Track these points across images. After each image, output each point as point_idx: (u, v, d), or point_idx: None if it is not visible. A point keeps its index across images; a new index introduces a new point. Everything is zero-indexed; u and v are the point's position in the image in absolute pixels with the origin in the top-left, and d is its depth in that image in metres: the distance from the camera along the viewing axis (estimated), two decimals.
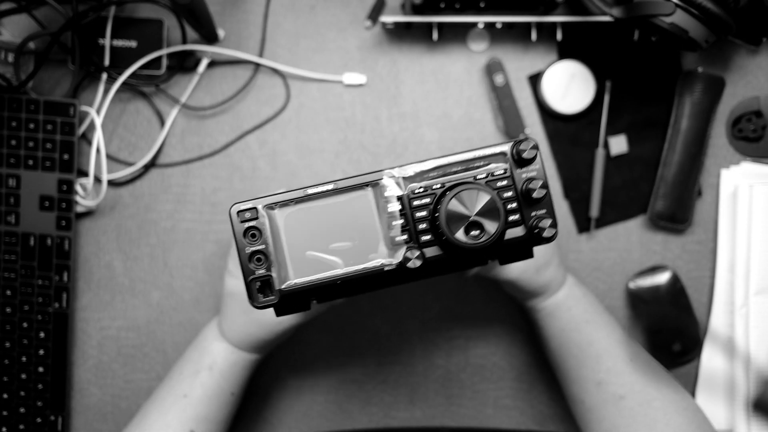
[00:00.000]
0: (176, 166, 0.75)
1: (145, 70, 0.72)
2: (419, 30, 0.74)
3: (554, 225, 0.43)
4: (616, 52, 0.74)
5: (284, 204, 0.43)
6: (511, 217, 0.44)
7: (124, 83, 0.72)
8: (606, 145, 0.74)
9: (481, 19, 0.70)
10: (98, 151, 0.71)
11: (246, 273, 0.43)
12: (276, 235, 0.43)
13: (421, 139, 0.75)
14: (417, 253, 0.42)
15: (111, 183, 0.74)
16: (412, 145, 0.75)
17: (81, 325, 0.74)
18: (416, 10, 0.70)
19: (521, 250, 0.47)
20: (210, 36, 0.73)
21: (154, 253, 0.74)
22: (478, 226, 0.42)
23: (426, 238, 0.43)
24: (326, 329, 0.74)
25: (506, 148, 0.44)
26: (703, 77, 0.72)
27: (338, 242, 0.43)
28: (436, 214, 0.43)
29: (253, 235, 0.43)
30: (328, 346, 0.74)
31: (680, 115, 0.72)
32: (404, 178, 0.44)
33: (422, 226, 0.43)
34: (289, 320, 0.61)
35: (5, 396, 0.71)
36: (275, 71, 0.75)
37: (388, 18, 0.70)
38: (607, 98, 0.74)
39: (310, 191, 0.43)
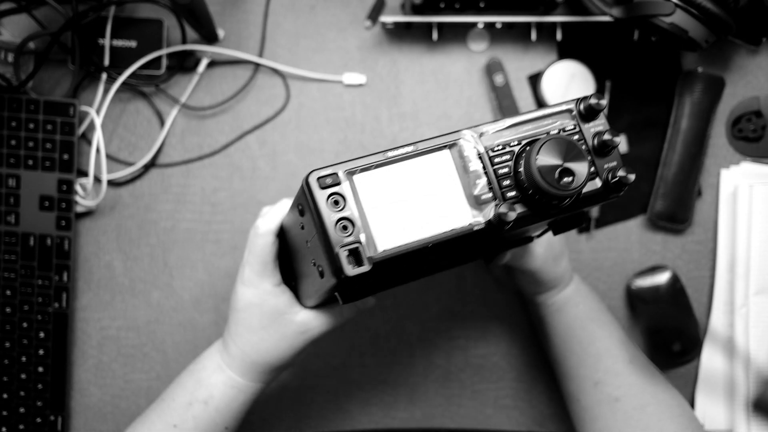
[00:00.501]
0: (176, 166, 0.75)
1: (145, 70, 0.72)
2: (419, 30, 0.74)
3: (632, 172, 0.44)
4: (616, 52, 0.74)
5: (365, 169, 0.41)
6: (590, 169, 0.44)
7: (124, 83, 0.72)
8: None
9: (481, 19, 0.70)
10: (98, 151, 0.71)
11: (334, 242, 0.40)
12: (358, 201, 0.41)
13: (421, 139, 0.74)
14: (511, 206, 0.41)
15: (111, 183, 0.74)
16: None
17: (81, 325, 0.74)
18: (416, 10, 0.70)
19: (576, 218, 0.49)
20: (210, 36, 0.73)
21: (154, 253, 0.74)
22: (568, 172, 0.42)
23: (511, 194, 0.43)
24: None
25: (571, 105, 0.45)
26: (703, 77, 0.72)
27: (422, 205, 0.42)
28: (519, 170, 0.43)
29: (336, 202, 0.40)
30: (328, 346, 0.74)
31: (680, 115, 0.72)
32: (481, 134, 0.43)
33: (506, 182, 0.43)
34: (317, 327, 0.55)
35: (5, 396, 0.71)
36: (275, 71, 0.75)
37: (388, 18, 0.70)
38: (607, 98, 0.74)
39: (390, 154, 0.42)
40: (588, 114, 0.45)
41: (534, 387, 0.74)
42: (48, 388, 0.71)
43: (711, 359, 0.73)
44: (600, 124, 0.45)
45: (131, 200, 0.74)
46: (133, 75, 0.72)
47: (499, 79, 0.73)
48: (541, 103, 0.74)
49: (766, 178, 0.73)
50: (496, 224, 0.42)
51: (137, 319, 0.74)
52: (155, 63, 0.73)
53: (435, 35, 0.72)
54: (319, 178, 0.40)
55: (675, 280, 0.73)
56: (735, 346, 0.72)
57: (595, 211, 0.73)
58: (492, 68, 0.73)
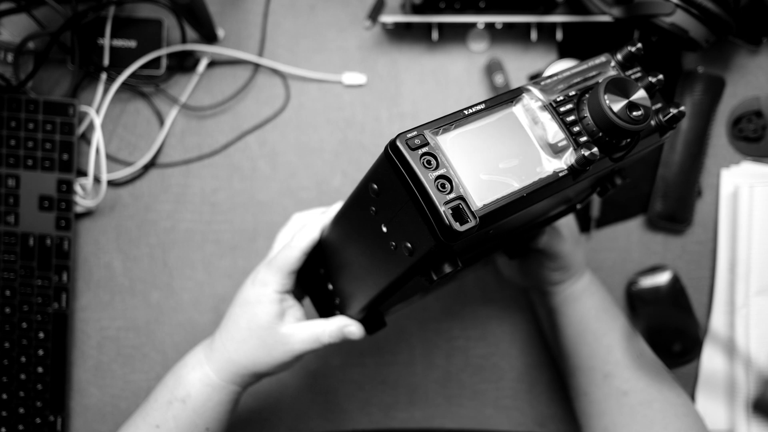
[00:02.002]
0: (176, 166, 0.74)
1: (144, 70, 0.72)
2: (419, 30, 0.74)
3: (677, 105, 0.46)
4: (616, 52, 0.74)
5: (446, 129, 0.41)
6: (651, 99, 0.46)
7: (123, 83, 0.72)
8: None
9: (481, 19, 0.70)
10: (98, 151, 0.71)
11: (438, 201, 0.39)
12: (447, 160, 0.41)
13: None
14: (590, 149, 0.42)
15: (110, 183, 0.74)
16: None
17: (80, 326, 0.74)
18: (416, 10, 0.70)
19: (611, 179, 0.53)
20: (210, 36, 0.73)
21: (153, 253, 0.74)
22: (636, 106, 0.43)
23: (583, 139, 0.44)
24: None
25: (608, 56, 0.48)
26: (703, 77, 0.72)
27: (503, 160, 0.42)
28: (585, 115, 0.44)
29: (429, 162, 0.40)
30: (328, 346, 0.74)
31: None
32: (542, 87, 0.45)
33: (575, 129, 0.44)
34: (297, 343, 0.54)
35: (5, 396, 0.71)
36: (275, 71, 0.75)
37: (388, 18, 0.70)
38: None
39: (466, 112, 0.42)
40: (627, 61, 0.47)
41: (534, 387, 0.74)
42: (48, 388, 0.71)
43: (711, 359, 0.73)
44: (638, 70, 0.47)
45: (131, 200, 0.74)
46: (132, 75, 0.72)
47: (499, 79, 0.73)
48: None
49: (766, 179, 0.73)
50: (579, 167, 0.42)
51: (137, 319, 0.74)
52: (155, 63, 0.72)
53: (435, 35, 0.72)
54: (407, 140, 0.40)
55: (675, 281, 0.72)
56: (735, 347, 0.72)
57: (595, 211, 0.73)
58: (492, 68, 0.73)
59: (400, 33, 0.75)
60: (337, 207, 0.55)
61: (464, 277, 0.74)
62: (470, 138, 0.42)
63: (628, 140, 0.45)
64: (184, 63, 0.73)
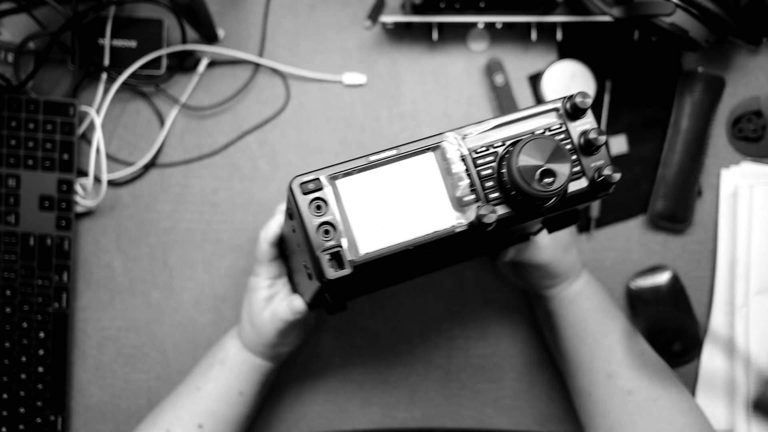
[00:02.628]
0: (176, 166, 0.75)
1: (144, 70, 0.72)
2: (419, 30, 0.74)
3: (618, 171, 0.44)
4: (616, 52, 0.74)
5: (347, 173, 0.42)
6: (574, 168, 0.44)
7: (123, 83, 0.72)
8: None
9: (481, 19, 0.70)
10: (98, 151, 0.71)
11: (315, 246, 0.41)
12: (340, 205, 0.42)
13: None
14: (491, 208, 0.42)
15: (111, 183, 0.74)
16: None
17: (81, 325, 0.74)
18: (416, 10, 0.70)
19: (568, 216, 0.49)
20: (210, 36, 0.73)
21: (153, 253, 0.74)
22: (550, 173, 0.42)
23: (494, 195, 0.43)
24: (325, 329, 0.74)
25: (558, 104, 0.45)
26: (703, 77, 0.72)
27: (404, 208, 0.42)
28: (503, 171, 0.43)
29: (319, 207, 0.41)
30: (328, 347, 0.74)
31: (680, 115, 0.72)
32: (464, 138, 0.44)
33: (489, 184, 0.43)
34: (276, 324, 0.60)
35: (5, 396, 0.71)
36: (275, 71, 0.75)
37: (388, 18, 0.70)
38: (607, 98, 0.74)
39: (373, 158, 0.42)
40: (574, 112, 0.45)
41: (534, 387, 0.74)
42: (48, 388, 0.71)
43: (711, 359, 0.73)
44: (587, 122, 0.45)
45: (131, 200, 0.74)
46: (133, 75, 0.72)
47: (499, 79, 0.73)
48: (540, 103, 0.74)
49: (766, 178, 0.73)
50: (477, 226, 0.42)
51: (137, 319, 0.74)
52: (155, 63, 0.73)
53: (435, 35, 0.72)
54: (301, 184, 0.41)
55: (675, 280, 0.73)
56: (735, 347, 0.72)
57: (595, 211, 0.73)
58: (492, 68, 0.73)
59: (400, 33, 0.75)
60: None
61: (464, 277, 0.74)
62: (373, 183, 0.42)
63: (549, 202, 0.43)
64: (184, 63, 0.73)
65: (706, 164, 0.74)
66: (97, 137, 0.70)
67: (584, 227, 0.74)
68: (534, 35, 0.73)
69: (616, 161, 0.74)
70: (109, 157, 0.74)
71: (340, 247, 0.41)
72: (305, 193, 0.41)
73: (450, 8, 0.70)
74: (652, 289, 0.72)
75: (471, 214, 0.43)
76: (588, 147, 0.44)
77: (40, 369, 0.71)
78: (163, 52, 0.72)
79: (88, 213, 0.74)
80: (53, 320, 0.71)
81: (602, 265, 0.74)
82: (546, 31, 0.74)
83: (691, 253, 0.74)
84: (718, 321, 0.73)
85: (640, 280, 0.73)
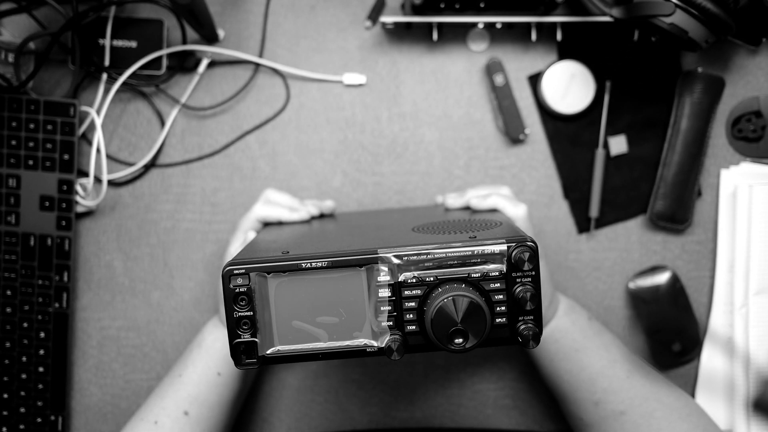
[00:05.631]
0: (176, 166, 0.75)
1: (145, 71, 0.72)
2: (419, 30, 0.75)
3: (537, 337, 0.43)
4: (616, 52, 0.74)
5: (278, 274, 0.44)
6: (498, 320, 0.44)
7: (124, 83, 0.72)
8: (606, 145, 0.74)
9: (481, 19, 0.70)
10: (98, 151, 0.71)
11: (231, 336, 0.44)
12: (265, 301, 0.44)
13: (421, 139, 0.75)
14: (398, 344, 0.43)
15: (111, 183, 0.74)
16: (412, 145, 0.75)
17: (81, 325, 0.74)
18: (416, 10, 0.70)
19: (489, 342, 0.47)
20: (210, 36, 0.73)
21: (154, 253, 0.74)
22: (463, 333, 0.42)
23: (411, 328, 0.44)
24: None
25: (504, 248, 0.43)
26: (703, 77, 0.72)
27: (325, 316, 0.44)
28: (424, 308, 0.43)
29: (243, 300, 0.43)
30: None
31: (680, 115, 0.72)
32: (398, 264, 0.44)
33: (409, 316, 0.44)
34: None
35: (5, 396, 0.71)
36: (275, 71, 0.75)
37: (388, 18, 0.70)
38: (607, 98, 0.74)
39: (304, 265, 0.43)
40: (517, 264, 0.44)
41: (534, 387, 0.74)
42: (48, 387, 0.71)
43: (711, 359, 0.73)
44: (528, 276, 0.44)
45: (131, 200, 0.74)
46: (133, 75, 0.72)
47: (499, 79, 0.73)
48: (541, 104, 0.74)
49: (765, 179, 0.73)
50: (386, 353, 0.44)
51: (137, 319, 0.74)
52: (155, 63, 0.73)
53: (435, 35, 0.72)
54: (232, 275, 0.43)
55: (675, 280, 0.73)
56: (735, 346, 0.72)
57: (595, 211, 0.73)
58: (492, 68, 0.73)
59: (400, 33, 0.75)
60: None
61: None
62: (300, 287, 0.44)
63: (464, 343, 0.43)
64: (184, 63, 0.73)
65: (705, 164, 0.74)
66: (98, 137, 0.70)
67: (584, 227, 0.75)
68: (534, 35, 0.73)
69: (617, 161, 0.74)
70: (109, 157, 0.74)
71: (255, 342, 0.44)
72: (233, 286, 0.43)
73: (450, 8, 0.70)
74: (652, 289, 0.72)
75: (384, 340, 0.44)
76: (519, 304, 0.43)
77: (41, 369, 0.71)
78: (164, 52, 0.72)
79: (89, 213, 0.74)
80: (54, 320, 0.71)
81: (602, 265, 0.74)
82: (546, 31, 0.74)
83: (690, 253, 0.74)
84: (717, 321, 0.73)
85: (640, 280, 0.73)
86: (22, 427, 0.71)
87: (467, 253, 0.44)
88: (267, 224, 0.64)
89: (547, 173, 0.75)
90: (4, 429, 0.71)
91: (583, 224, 0.75)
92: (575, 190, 0.75)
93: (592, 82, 0.73)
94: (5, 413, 0.71)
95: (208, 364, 0.63)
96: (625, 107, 0.74)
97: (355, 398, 0.74)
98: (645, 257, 0.74)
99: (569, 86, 0.73)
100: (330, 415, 0.74)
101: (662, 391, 0.61)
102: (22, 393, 0.71)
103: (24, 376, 0.71)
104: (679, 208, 0.72)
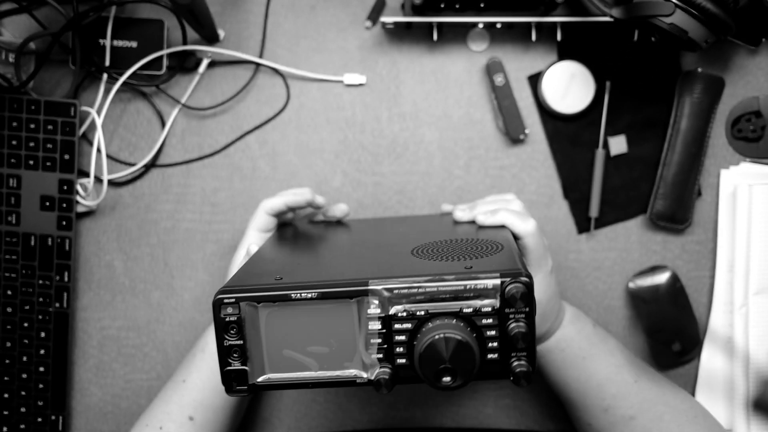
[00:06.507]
0: (176, 166, 0.75)
1: (145, 71, 0.73)
2: (419, 30, 0.75)
3: (528, 377, 0.43)
4: (616, 52, 0.74)
5: (267, 302, 0.43)
6: (490, 356, 0.43)
7: (124, 83, 0.72)
8: (606, 145, 0.74)
9: (481, 19, 0.70)
10: (99, 151, 0.71)
11: (222, 364, 0.44)
12: (256, 330, 0.44)
13: (421, 139, 0.75)
14: (387, 378, 0.43)
15: (111, 183, 0.74)
16: (412, 145, 0.75)
17: (81, 325, 0.74)
18: (416, 10, 0.70)
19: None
20: (210, 36, 0.73)
21: (154, 253, 0.74)
22: (451, 372, 0.42)
23: (401, 361, 0.44)
24: None
25: (498, 282, 0.42)
26: (703, 77, 0.72)
27: (316, 346, 0.44)
28: (414, 342, 0.43)
29: (233, 329, 0.43)
30: None
31: (680, 115, 0.73)
32: (389, 297, 0.43)
33: (400, 349, 0.44)
34: None
35: (6, 395, 0.71)
36: (275, 71, 0.75)
37: (388, 18, 0.70)
38: (606, 98, 0.74)
39: (294, 296, 0.43)
40: (510, 301, 0.43)
41: (534, 387, 0.74)
42: (49, 387, 0.71)
43: (711, 359, 0.73)
44: (522, 312, 0.43)
45: (132, 200, 0.74)
46: (133, 75, 0.72)
47: (499, 79, 0.73)
48: (541, 104, 0.74)
49: (765, 179, 0.73)
50: (375, 386, 0.44)
51: (137, 319, 0.74)
52: (156, 63, 0.73)
53: (435, 35, 0.72)
54: (222, 304, 0.43)
55: (675, 280, 0.73)
56: (735, 346, 0.72)
57: (595, 211, 0.73)
58: (492, 68, 0.73)
59: (400, 33, 0.75)
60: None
61: None
62: (291, 316, 0.44)
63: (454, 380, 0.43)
64: (184, 63, 0.74)
65: (705, 164, 0.74)
66: (98, 137, 0.71)
67: (584, 227, 0.75)
68: (534, 35, 0.73)
69: (617, 161, 0.74)
70: (109, 157, 0.74)
71: (245, 370, 0.44)
72: (223, 315, 0.43)
73: (450, 8, 0.70)
74: (652, 288, 0.73)
75: (374, 372, 0.44)
76: (511, 340, 0.43)
77: (41, 368, 0.71)
78: (164, 52, 0.72)
79: (89, 213, 0.74)
80: (54, 320, 0.71)
81: (602, 265, 0.74)
82: (546, 32, 0.74)
83: (690, 253, 0.74)
84: (717, 321, 0.73)
85: (639, 280, 0.73)
86: (22, 426, 0.71)
87: (460, 287, 0.43)
88: (281, 225, 0.64)
89: (547, 173, 0.75)
90: (5, 429, 0.71)
91: (583, 224, 0.75)
92: (575, 190, 0.75)
93: (592, 82, 0.73)
94: (6, 413, 0.71)
95: (212, 368, 0.63)
96: (625, 107, 0.74)
97: (355, 398, 0.74)
98: (645, 257, 0.74)
99: (569, 86, 0.73)
100: (330, 415, 0.74)
101: (669, 394, 0.61)
102: (23, 393, 0.71)
103: (24, 375, 0.71)
104: (679, 208, 0.72)
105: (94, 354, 0.74)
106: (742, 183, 0.72)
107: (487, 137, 0.75)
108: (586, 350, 0.63)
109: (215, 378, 0.62)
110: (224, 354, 0.44)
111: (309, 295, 0.43)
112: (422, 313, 0.43)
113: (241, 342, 0.43)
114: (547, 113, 0.75)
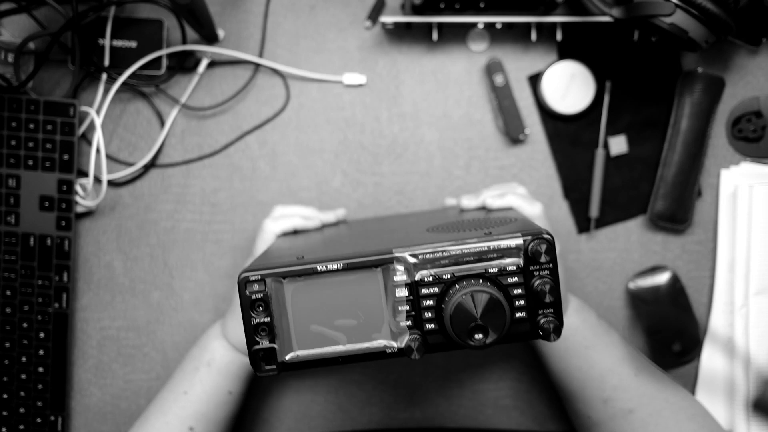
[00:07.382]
0: (176, 166, 0.75)
1: (145, 71, 0.72)
2: (419, 30, 0.74)
3: (558, 330, 0.43)
4: (616, 52, 0.74)
5: (293, 279, 0.43)
6: (518, 314, 0.44)
7: (124, 83, 0.72)
8: (606, 145, 0.74)
9: (481, 19, 0.70)
10: (98, 151, 0.71)
11: (250, 343, 0.43)
12: (282, 306, 0.44)
13: (421, 139, 0.75)
14: (418, 343, 0.43)
15: (111, 183, 0.74)
16: (412, 145, 0.75)
17: (81, 325, 0.74)
18: (416, 10, 0.70)
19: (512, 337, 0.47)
20: (210, 36, 0.73)
21: (154, 253, 0.74)
22: (483, 329, 0.42)
23: (431, 326, 0.44)
24: None
25: (520, 241, 0.43)
26: (703, 77, 0.72)
27: (343, 319, 0.44)
28: (443, 305, 0.43)
29: (260, 306, 0.43)
30: None
31: (680, 115, 0.72)
32: (414, 264, 0.43)
33: (428, 314, 0.44)
34: None
35: (5, 396, 0.71)
36: (275, 71, 0.75)
37: (388, 18, 0.70)
38: (607, 98, 0.74)
39: (319, 268, 0.43)
40: (534, 256, 0.43)
41: (534, 387, 0.74)
42: (48, 388, 0.71)
43: (711, 359, 0.73)
44: (546, 268, 0.43)
45: (131, 200, 0.74)
46: (133, 75, 0.72)
47: (499, 79, 0.73)
48: (541, 104, 0.74)
49: (766, 179, 0.73)
50: (406, 353, 0.43)
51: (137, 319, 0.74)
52: (155, 63, 0.73)
53: (435, 35, 0.72)
54: (248, 281, 0.43)
55: (675, 281, 0.73)
56: (735, 347, 0.72)
57: (595, 211, 0.73)
58: (492, 68, 0.73)
59: (400, 33, 0.75)
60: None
61: None
62: (317, 290, 0.44)
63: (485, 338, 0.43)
64: (184, 63, 0.73)
65: (705, 164, 0.74)
66: (98, 137, 0.70)
67: (584, 227, 0.75)
68: (534, 35, 0.73)
69: (617, 161, 0.74)
70: (109, 157, 0.74)
71: (274, 348, 0.44)
72: (249, 293, 0.43)
73: (450, 8, 0.70)
74: (652, 289, 0.72)
75: (404, 340, 0.44)
76: (537, 297, 0.43)
77: (41, 369, 0.71)
78: (164, 52, 0.72)
79: (89, 213, 0.74)
80: (53, 320, 0.71)
81: (602, 265, 0.74)
82: (546, 32, 0.74)
83: (690, 253, 0.74)
84: (717, 321, 0.73)
85: (640, 280, 0.73)
86: (21, 427, 0.71)
87: (483, 248, 0.43)
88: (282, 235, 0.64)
89: (547, 173, 0.75)
90: (4, 429, 0.71)
91: (583, 224, 0.75)
92: (575, 190, 0.75)
93: (592, 82, 0.73)
94: (5, 413, 0.71)
95: (219, 383, 0.63)
96: (625, 107, 0.74)
97: (355, 398, 0.74)
98: (645, 257, 0.74)
99: (569, 86, 0.73)
100: (330, 415, 0.74)
101: (668, 390, 0.61)
102: (22, 393, 0.71)
103: (24, 376, 0.71)
104: (679, 208, 0.72)
105: (93, 354, 0.74)
106: (742, 183, 0.72)
107: (487, 137, 0.75)
108: (589, 340, 0.63)
109: (222, 393, 0.63)
110: (251, 332, 0.43)
111: (334, 266, 0.43)
112: (448, 276, 0.43)
113: (269, 319, 0.43)
114: (547, 113, 0.74)
